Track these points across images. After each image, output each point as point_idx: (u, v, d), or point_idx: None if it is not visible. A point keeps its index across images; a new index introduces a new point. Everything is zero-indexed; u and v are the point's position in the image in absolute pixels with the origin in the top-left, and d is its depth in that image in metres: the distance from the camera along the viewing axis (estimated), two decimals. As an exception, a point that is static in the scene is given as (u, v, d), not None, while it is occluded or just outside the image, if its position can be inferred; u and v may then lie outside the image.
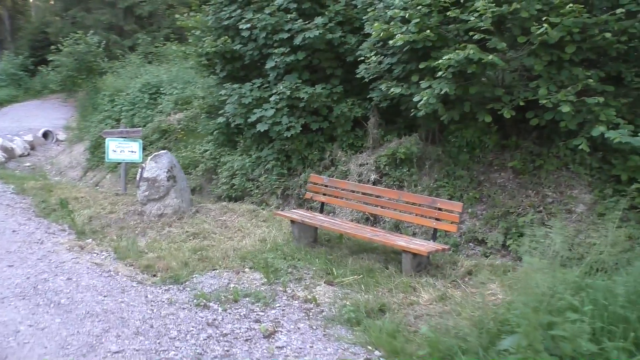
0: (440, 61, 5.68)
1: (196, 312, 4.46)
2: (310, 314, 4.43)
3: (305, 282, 5.18)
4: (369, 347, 3.79)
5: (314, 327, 4.17)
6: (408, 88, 6.55)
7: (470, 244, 6.54)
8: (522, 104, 5.81)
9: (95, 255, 6.14)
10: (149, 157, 7.93)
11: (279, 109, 8.35)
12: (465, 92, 6.03)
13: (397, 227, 6.88)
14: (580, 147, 5.55)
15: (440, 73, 5.73)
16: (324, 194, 6.54)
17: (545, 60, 5.68)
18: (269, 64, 8.48)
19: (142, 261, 5.85)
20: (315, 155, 8.57)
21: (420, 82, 6.21)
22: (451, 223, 5.31)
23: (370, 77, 7.21)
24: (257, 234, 6.72)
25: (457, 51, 5.56)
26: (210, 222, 7.35)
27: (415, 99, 6.10)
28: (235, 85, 8.95)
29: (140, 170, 7.93)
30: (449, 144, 7.33)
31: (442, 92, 5.76)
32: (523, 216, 6.24)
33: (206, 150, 10.43)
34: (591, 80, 5.39)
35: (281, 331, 4.09)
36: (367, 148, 8.46)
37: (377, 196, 6.11)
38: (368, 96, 8.04)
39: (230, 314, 4.43)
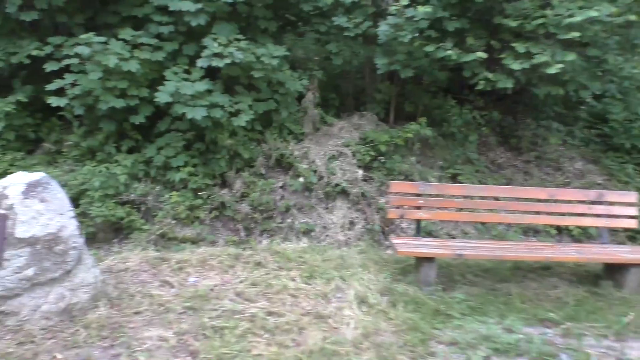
0: (569, 18, 4.49)
1: None
2: None
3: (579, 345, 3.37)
4: None
5: None
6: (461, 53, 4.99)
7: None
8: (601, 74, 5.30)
9: None
10: (9, 190, 3.47)
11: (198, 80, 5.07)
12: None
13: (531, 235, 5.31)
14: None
15: (570, 35, 4.52)
16: (419, 208, 4.37)
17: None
18: (182, 6, 4.91)
19: None
20: (252, 152, 5.67)
21: (511, 44, 4.79)
22: (630, 218, 4.43)
23: (392, 37, 5.13)
24: (332, 294, 3.97)
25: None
26: (209, 296, 3.89)
27: (515, 66, 4.68)
28: (98, 39, 4.88)
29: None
30: (446, 123, 6.11)
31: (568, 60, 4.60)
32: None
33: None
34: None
35: None
36: (305, 135, 6.19)
37: (514, 199, 4.50)
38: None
39: None
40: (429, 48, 4.92)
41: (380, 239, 5.46)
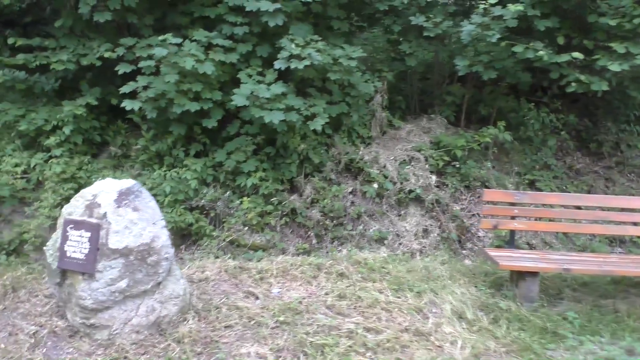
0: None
1: None
2: None
3: None
4: None
5: None
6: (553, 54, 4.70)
7: None
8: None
9: None
10: (100, 198, 3.34)
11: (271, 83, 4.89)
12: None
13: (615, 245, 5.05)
14: None
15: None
16: (514, 217, 4.12)
17: None
18: (260, 6, 4.74)
19: None
20: (321, 156, 5.48)
21: (608, 44, 4.50)
22: None
23: (476, 37, 4.87)
24: (427, 308, 3.76)
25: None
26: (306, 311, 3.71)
27: (614, 67, 4.38)
28: (174, 40, 4.74)
29: (83, 232, 3.27)
30: (523, 127, 5.83)
31: None
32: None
33: (36, 166, 5.34)
34: None
35: None
36: (372, 139, 5.97)
37: (612, 209, 4.21)
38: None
39: None
40: (517, 48, 4.66)
41: (457, 248, 5.23)
